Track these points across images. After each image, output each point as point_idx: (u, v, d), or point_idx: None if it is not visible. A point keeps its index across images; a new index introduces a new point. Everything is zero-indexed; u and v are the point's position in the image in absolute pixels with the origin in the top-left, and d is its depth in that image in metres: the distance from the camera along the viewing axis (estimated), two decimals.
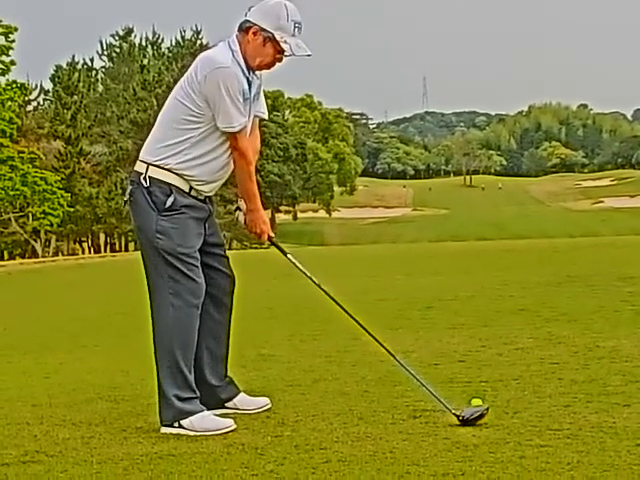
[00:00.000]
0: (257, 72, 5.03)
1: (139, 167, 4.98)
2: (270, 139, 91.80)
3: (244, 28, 4.91)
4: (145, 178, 4.91)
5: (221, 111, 4.82)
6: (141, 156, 5.02)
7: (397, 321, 9.54)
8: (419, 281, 15.45)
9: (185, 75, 4.96)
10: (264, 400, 5.30)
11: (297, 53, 4.88)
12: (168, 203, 4.88)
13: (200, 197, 5.01)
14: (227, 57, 4.85)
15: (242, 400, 5.25)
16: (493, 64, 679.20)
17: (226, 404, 5.22)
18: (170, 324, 4.86)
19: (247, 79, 4.91)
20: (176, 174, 4.90)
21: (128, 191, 4.98)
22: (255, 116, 5.11)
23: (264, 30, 4.85)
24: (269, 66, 4.98)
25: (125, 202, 5.04)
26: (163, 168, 4.91)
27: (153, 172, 4.91)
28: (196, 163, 4.92)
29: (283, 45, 4.85)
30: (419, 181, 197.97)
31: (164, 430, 4.84)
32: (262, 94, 5.17)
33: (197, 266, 4.94)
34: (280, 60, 4.97)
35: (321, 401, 5.41)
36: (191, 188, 4.95)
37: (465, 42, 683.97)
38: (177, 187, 4.91)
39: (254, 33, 4.88)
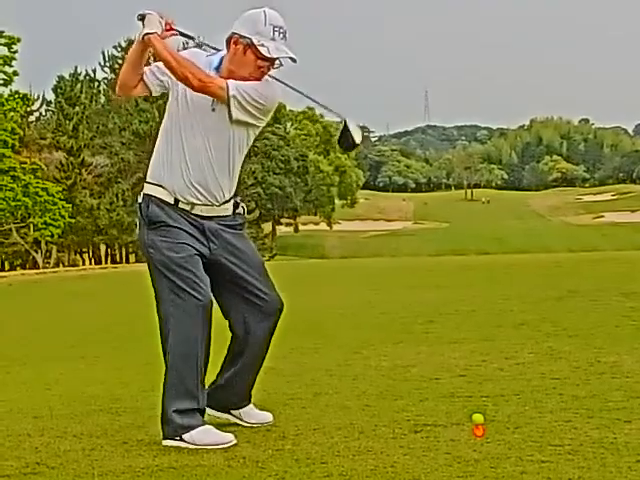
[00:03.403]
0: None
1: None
2: (272, 151, 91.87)
3: (227, 40, 4.90)
4: (141, 194, 5.00)
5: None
6: None
7: (399, 335, 9.52)
8: (421, 295, 15.44)
9: None
10: (268, 415, 5.28)
11: (275, 55, 4.80)
12: (151, 215, 4.90)
13: (187, 208, 4.92)
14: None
15: (248, 412, 5.23)
16: (495, 78, 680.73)
17: (232, 411, 5.21)
18: (172, 335, 4.86)
19: None
20: (156, 185, 4.93)
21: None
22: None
23: (243, 37, 4.81)
24: (257, 78, 4.87)
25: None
26: (149, 182, 4.99)
27: (145, 187, 5.00)
28: (166, 168, 4.91)
29: (260, 48, 4.77)
30: (420, 194, 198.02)
31: (165, 443, 4.82)
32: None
33: (191, 277, 4.85)
34: (268, 69, 4.87)
35: (322, 415, 5.41)
36: (177, 200, 4.92)
37: (467, 56, 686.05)
38: (159, 198, 4.91)
39: (235, 42, 4.85)
